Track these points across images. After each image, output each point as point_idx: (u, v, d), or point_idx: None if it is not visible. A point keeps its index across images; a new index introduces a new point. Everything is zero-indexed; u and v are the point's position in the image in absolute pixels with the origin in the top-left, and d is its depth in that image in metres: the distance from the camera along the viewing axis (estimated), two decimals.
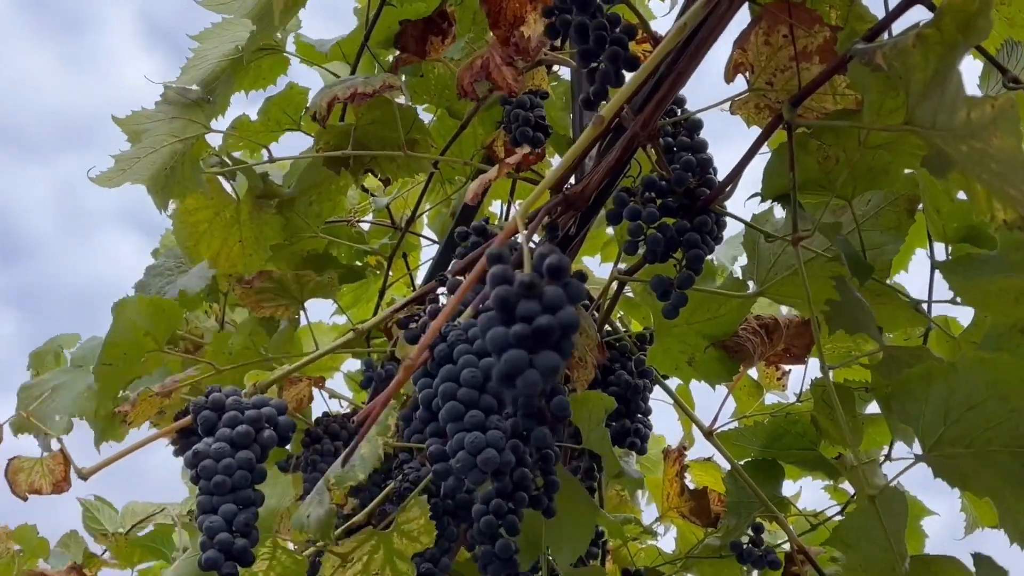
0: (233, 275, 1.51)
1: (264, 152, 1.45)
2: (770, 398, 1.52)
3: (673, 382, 1.34)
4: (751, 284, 1.12)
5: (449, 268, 1.03)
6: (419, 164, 1.48)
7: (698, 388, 1.42)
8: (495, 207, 1.93)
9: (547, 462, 1.07)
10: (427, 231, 2.00)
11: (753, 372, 1.50)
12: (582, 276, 1.00)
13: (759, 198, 0.99)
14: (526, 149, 1.24)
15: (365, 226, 1.98)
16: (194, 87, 1.29)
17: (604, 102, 1.03)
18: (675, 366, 1.19)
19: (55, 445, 1.44)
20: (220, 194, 1.49)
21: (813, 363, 1.28)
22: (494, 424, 0.83)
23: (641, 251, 1.04)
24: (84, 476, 0.96)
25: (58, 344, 1.83)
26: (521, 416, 0.91)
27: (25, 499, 1.35)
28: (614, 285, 1.21)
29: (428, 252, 2.10)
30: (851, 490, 1.37)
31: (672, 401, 1.34)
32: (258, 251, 1.52)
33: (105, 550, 2.16)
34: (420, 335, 1.06)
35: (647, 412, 1.32)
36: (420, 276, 2.06)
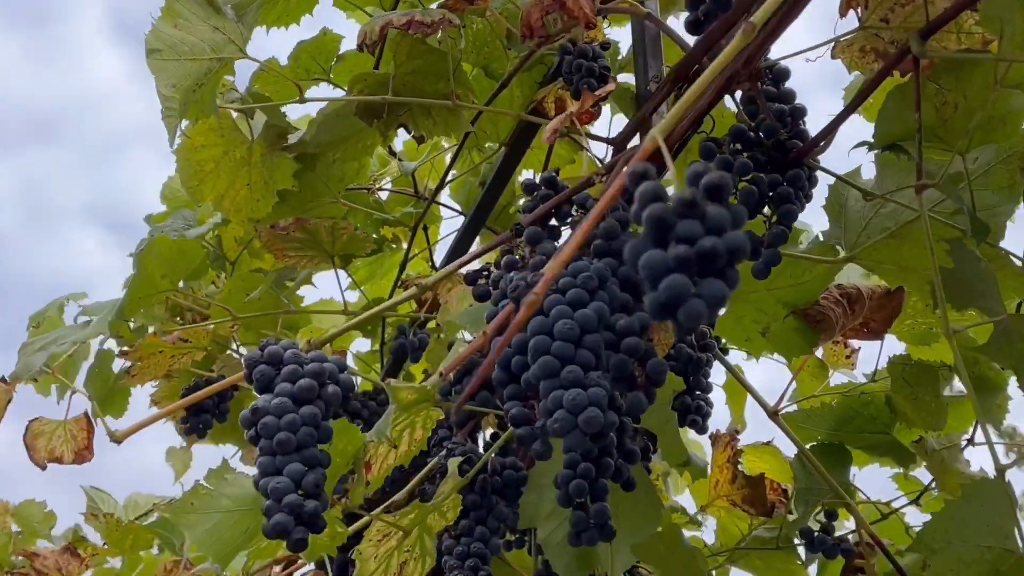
0: (257, 220, 1.43)
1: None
2: (836, 379, 1.46)
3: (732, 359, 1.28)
4: (839, 249, 1.05)
5: (523, 219, 0.95)
6: (458, 120, 1.41)
7: (750, 369, 1.36)
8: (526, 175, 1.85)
9: (624, 431, 1.00)
10: (448, 201, 1.92)
11: (818, 351, 1.44)
12: None
13: (866, 148, 0.93)
14: (589, 100, 1.16)
15: (383, 197, 1.90)
16: (228, 7, 1.20)
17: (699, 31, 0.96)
18: (746, 337, 1.12)
19: (76, 408, 1.34)
20: (232, 132, 1.41)
21: (889, 341, 1.22)
22: (594, 381, 0.76)
23: None
24: (118, 439, 0.88)
25: (59, 304, 1.75)
26: (612, 379, 0.84)
27: (44, 467, 1.26)
28: None
29: (449, 225, 2.04)
30: (924, 479, 1.31)
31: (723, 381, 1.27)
32: (266, 196, 1.44)
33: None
34: (489, 290, 0.99)
35: (708, 389, 1.25)
36: (440, 251, 2.00)
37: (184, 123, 1.39)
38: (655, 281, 0.53)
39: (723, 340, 1.26)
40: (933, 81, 0.88)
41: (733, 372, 1.26)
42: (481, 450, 1.30)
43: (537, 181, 1.02)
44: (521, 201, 1.04)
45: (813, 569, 1.41)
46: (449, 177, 1.88)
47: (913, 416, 1.17)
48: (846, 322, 1.10)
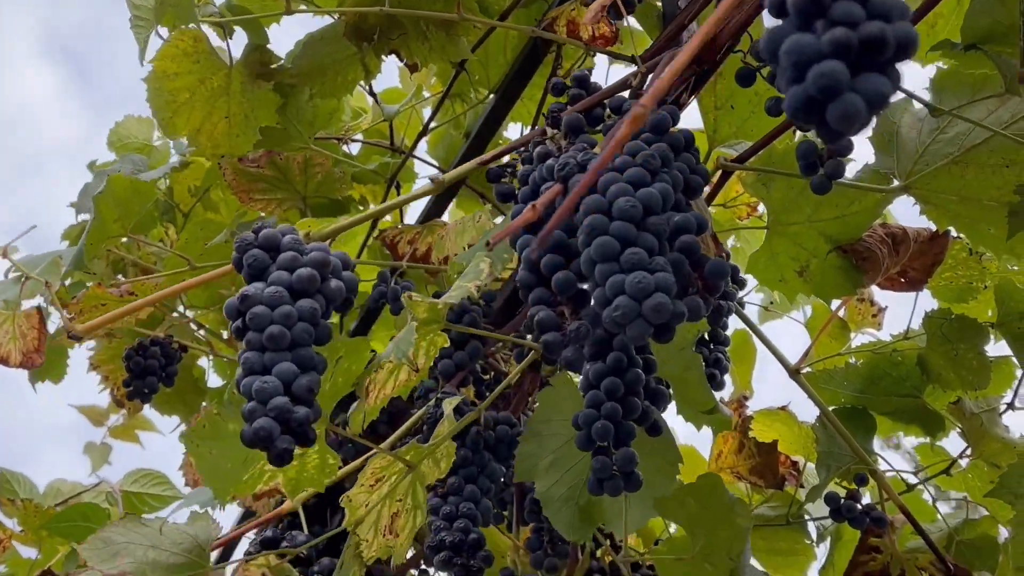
0: (224, 154, 1.30)
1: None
2: (858, 342, 1.37)
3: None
4: (892, 178, 0.97)
5: (562, 120, 0.85)
6: (456, 46, 1.31)
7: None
8: (512, 131, 1.75)
9: (651, 368, 0.91)
10: (426, 157, 1.81)
11: (840, 310, 1.36)
12: (690, 136, 0.85)
13: (949, 49, 0.85)
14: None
15: (355, 150, 1.79)
16: None
17: None
18: (780, 277, 1.03)
19: (33, 302, 1.20)
20: (209, 57, 1.29)
21: (924, 294, 1.14)
22: (660, 266, 0.66)
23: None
24: (79, 335, 0.76)
25: None
26: None
27: None
28: (716, 176, 1.05)
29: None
30: (954, 450, 1.24)
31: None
32: (246, 132, 1.33)
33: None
34: (513, 189, 0.90)
35: (726, 342, 1.17)
36: (413, 212, 1.89)
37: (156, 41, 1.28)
38: (801, 69, 0.44)
39: (745, 285, 1.18)
40: None
41: (749, 324, 1.17)
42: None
43: (567, 81, 0.93)
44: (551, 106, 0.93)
45: (821, 551, 1.33)
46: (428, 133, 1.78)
47: (951, 376, 1.09)
48: (891, 264, 1.02)
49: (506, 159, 0.92)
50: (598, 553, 1.26)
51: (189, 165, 1.70)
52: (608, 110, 0.90)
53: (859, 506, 1.13)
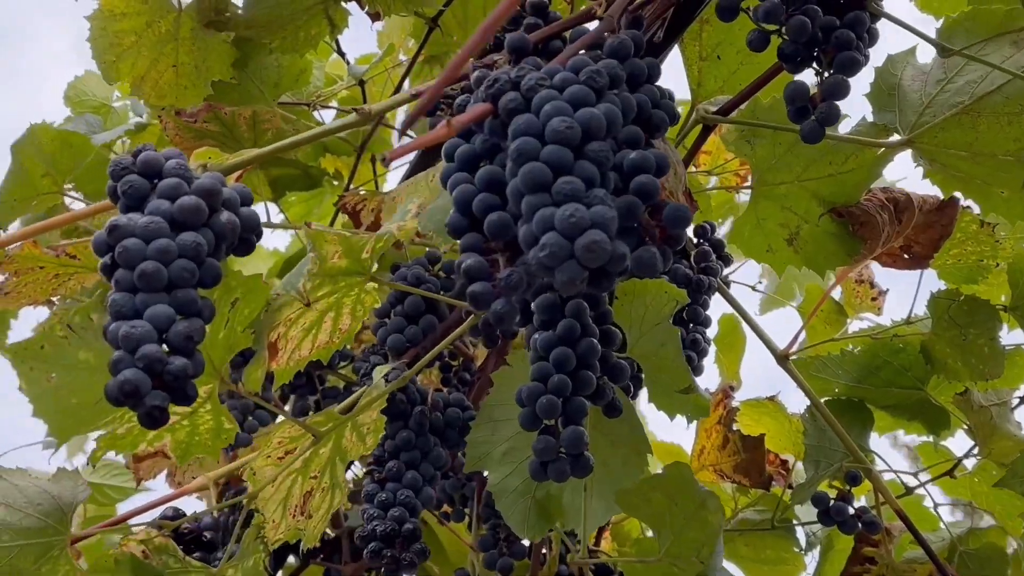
0: (169, 106, 1.20)
1: None
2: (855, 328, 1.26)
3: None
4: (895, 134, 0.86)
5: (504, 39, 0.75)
6: None
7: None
8: None
9: (611, 340, 0.80)
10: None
11: (836, 292, 1.25)
12: (670, 95, 0.74)
13: None
14: None
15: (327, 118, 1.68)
16: None
17: None
18: (767, 246, 0.92)
19: None
20: None
21: (928, 276, 1.03)
22: (599, 199, 0.55)
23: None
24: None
25: None
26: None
27: None
28: (695, 131, 0.94)
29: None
30: (958, 450, 1.12)
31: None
32: (196, 84, 1.22)
33: None
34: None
35: (707, 322, 1.06)
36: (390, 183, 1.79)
37: None
38: None
39: (731, 262, 1.07)
40: None
41: (734, 305, 1.06)
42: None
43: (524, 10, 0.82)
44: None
45: (813, 559, 1.22)
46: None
47: (958, 364, 0.98)
48: (892, 232, 0.91)
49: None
50: (568, 559, 1.16)
51: (147, 127, 1.60)
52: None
53: (850, 509, 1.02)
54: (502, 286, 0.60)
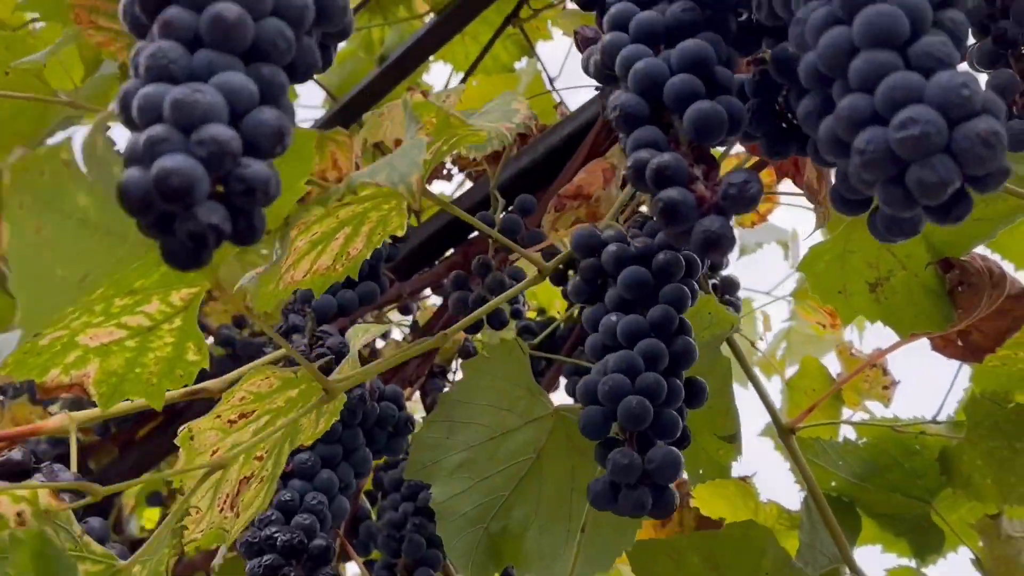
0: None
1: None
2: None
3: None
4: None
5: None
6: None
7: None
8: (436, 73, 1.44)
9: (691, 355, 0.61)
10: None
11: (833, 367, 1.08)
12: None
13: None
14: None
15: None
16: None
17: None
18: (841, 286, 0.76)
19: None
20: None
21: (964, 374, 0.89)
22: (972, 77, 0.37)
23: None
24: None
25: None
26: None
27: None
28: None
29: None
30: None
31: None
32: None
33: None
34: None
35: None
36: None
37: None
38: None
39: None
40: None
41: (739, 357, 0.89)
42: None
43: None
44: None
45: None
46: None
47: (987, 482, 0.83)
48: (985, 307, 0.77)
49: None
50: None
51: None
52: None
53: None
54: (726, 195, 0.40)
